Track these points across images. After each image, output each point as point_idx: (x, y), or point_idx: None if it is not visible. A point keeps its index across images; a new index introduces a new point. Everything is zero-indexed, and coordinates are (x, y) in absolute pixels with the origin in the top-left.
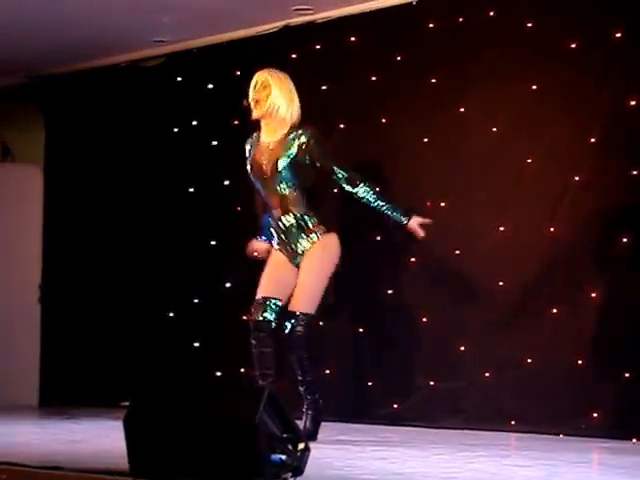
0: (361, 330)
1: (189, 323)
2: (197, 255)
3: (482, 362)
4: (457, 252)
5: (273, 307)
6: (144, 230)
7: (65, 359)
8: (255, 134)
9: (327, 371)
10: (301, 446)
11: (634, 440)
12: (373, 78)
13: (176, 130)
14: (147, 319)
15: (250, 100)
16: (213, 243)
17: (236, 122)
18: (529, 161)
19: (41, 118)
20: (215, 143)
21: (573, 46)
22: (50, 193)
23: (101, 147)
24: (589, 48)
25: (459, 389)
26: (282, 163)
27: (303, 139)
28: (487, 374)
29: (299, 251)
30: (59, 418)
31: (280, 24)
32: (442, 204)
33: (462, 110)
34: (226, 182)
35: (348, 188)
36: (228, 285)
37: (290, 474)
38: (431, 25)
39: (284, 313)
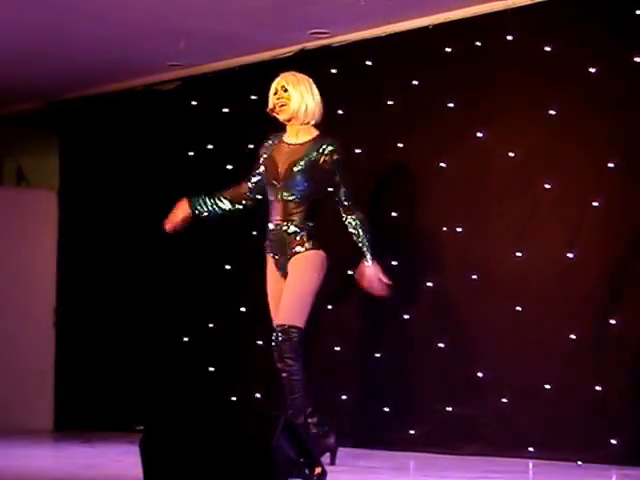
0: (377, 355)
1: (204, 348)
2: (212, 280)
3: (499, 388)
4: (474, 277)
5: None
6: (159, 254)
7: (80, 383)
8: (273, 135)
9: (344, 396)
10: (318, 470)
11: None
12: (389, 102)
13: (191, 154)
14: (162, 343)
15: (273, 105)
16: (228, 268)
17: (251, 146)
18: (547, 186)
19: (56, 143)
20: (230, 167)
21: (592, 71)
22: (65, 218)
23: (116, 172)
24: (608, 72)
25: (476, 415)
26: (298, 166)
27: (328, 149)
28: (504, 400)
29: (285, 260)
30: (74, 442)
31: (296, 48)
32: (459, 229)
33: (479, 135)
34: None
35: (342, 215)
36: (243, 310)
37: None
38: (448, 49)
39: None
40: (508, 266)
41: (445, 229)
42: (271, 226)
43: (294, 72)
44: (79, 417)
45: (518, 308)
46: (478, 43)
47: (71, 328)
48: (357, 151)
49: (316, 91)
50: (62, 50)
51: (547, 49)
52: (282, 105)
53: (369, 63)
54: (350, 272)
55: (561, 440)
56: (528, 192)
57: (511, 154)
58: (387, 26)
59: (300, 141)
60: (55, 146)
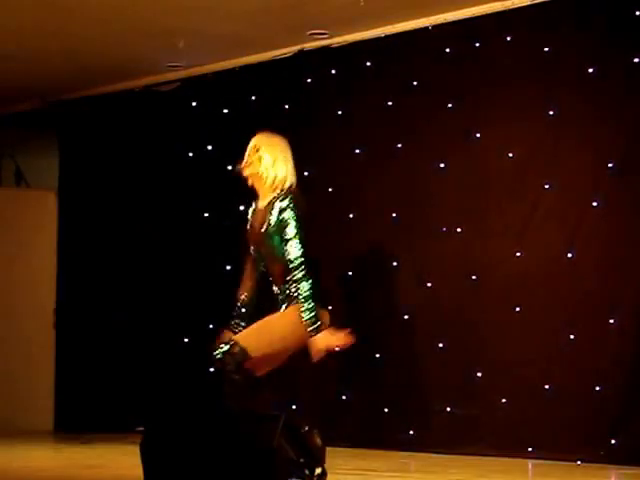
0: (378, 356)
1: (204, 349)
2: (212, 280)
3: (499, 388)
4: (474, 278)
5: None
6: (159, 255)
7: (80, 384)
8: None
9: (344, 397)
10: (318, 471)
11: None
12: (389, 103)
13: (191, 155)
14: (162, 345)
15: (243, 163)
16: (228, 268)
17: None
18: (546, 187)
19: (55, 143)
20: (230, 168)
21: (590, 71)
22: (64, 218)
23: (116, 172)
24: (607, 73)
25: (477, 415)
26: (265, 228)
27: (282, 204)
28: (504, 400)
29: None
30: (74, 443)
31: (295, 49)
32: (458, 230)
33: (478, 135)
34: (241, 207)
35: (289, 281)
36: (244, 311)
37: None
38: (447, 50)
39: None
40: (508, 266)
41: (445, 229)
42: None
43: (272, 134)
44: (79, 418)
45: (517, 308)
46: (477, 44)
47: (71, 329)
48: (356, 151)
49: (289, 158)
50: (62, 50)
51: (546, 50)
52: (248, 163)
53: (368, 64)
54: (350, 273)
55: (561, 440)
56: (528, 192)
57: (510, 154)
58: (386, 27)
59: (265, 203)
60: (54, 146)
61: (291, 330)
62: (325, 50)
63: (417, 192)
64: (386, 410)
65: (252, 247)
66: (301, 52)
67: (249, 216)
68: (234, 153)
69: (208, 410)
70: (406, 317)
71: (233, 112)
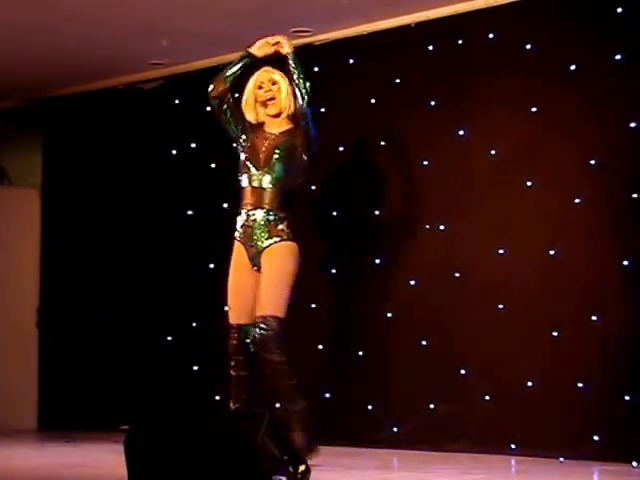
0: (361, 353)
1: (188, 347)
2: (196, 278)
3: (483, 385)
4: (457, 275)
5: (247, 331)
6: (142, 253)
7: (64, 383)
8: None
9: (327, 394)
10: (302, 468)
11: (634, 463)
12: (372, 101)
13: (175, 152)
14: (146, 343)
15: (261, 99)
16: (212, 266)
17: (235, 145)
18: (529, 184)
19: (38, 140)
20: (214, 166)
21: (573, 68)
22: (47, 216)
23: (99, 170)
24: (589, 70)
25: (460, 412)
26: (277, 153)
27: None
28: (487, 397)
29: (259, 249)
30: (58, 442)
31: None
32: (442, 227)
33: (462, 133)
34: (225, 205)
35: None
36: (227, 309)
37: None
38: (430, 48)
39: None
40: (490, 264)
41: (428, 227)
42: (245, 214)
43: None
44: (63, 417)
45: (500, 306)
46: (460, 41)
47: (54, 328)
48: (340, 149)
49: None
50: (46, 48)
51: (528, 47)
52: (272, 98)
53: (351, 61)
54: (333, 270)
55: (543, 437)
56: (510, 190)
57: (493, 152)
58: (369, 24)
59: (282, 129)
60: (38, 144)
61: (294, 267)
62: (308, 48)
63: (400, 190)
64: (369, 407)
65: (252, 165)
66: None
67: (245, 134)
68: (217, 151)
69: (192, 408)
70: (389, 315)
71: None
